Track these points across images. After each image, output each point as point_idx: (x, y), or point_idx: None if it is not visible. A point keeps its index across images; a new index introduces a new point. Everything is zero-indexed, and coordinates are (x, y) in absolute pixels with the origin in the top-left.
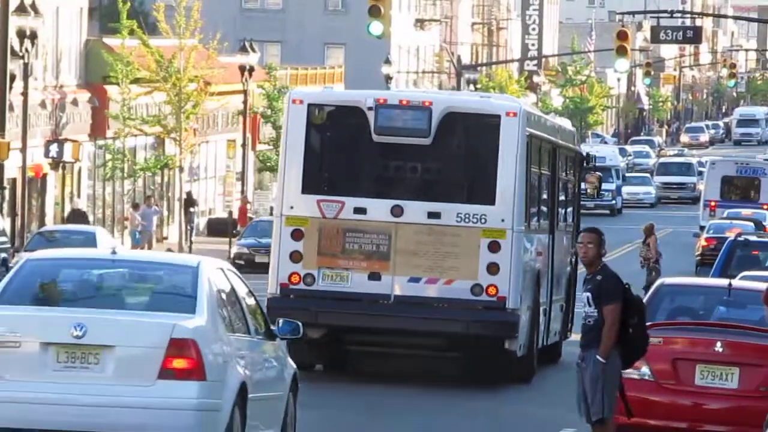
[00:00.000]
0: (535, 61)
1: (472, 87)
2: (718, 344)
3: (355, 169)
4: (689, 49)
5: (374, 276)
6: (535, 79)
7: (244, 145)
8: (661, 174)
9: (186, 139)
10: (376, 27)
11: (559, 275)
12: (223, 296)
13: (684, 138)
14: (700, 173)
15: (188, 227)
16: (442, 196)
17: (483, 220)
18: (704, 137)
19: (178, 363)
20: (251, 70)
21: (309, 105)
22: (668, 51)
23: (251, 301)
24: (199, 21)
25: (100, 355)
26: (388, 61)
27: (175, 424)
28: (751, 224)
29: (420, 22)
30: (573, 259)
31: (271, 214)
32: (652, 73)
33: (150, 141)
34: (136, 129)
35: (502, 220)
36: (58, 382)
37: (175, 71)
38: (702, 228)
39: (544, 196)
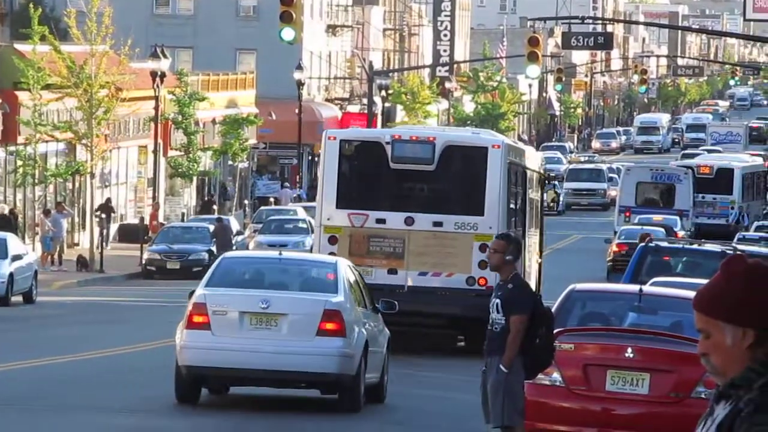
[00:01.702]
0: (447, 67)
1: (383, 93)
2: (629, 350)
3: (376, 189)
4: (600, 55)
5: (392, 271)
6: (447, 85)
7: (155, 151)
8: (571, 180)
9: (97, 145)
10: (287, 33)
11: (528, 270)
12: (351, 282)
13: (595, 144)
14: (611, 179)
15: (102, 233)
16: (443, 209)
17: (475, 228)
18: (615, 143)
19: (329, 325)
20: (163, 76)
21: (341, 140)
22: (579, 57)
23: (364, 287)
24: (111, 27)
25: (278, 320)
26: (299, 67)
27: (327, 365)
28: (662, 230)
29: (332, 28)
30: (538, 258)
31: (183, 220)
32: (564, 79)
33: (61, 147)
34: (48, 135)
35: (490, 227)
36: (250, 337)
37: (87, 77)
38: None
39: (519, 208)
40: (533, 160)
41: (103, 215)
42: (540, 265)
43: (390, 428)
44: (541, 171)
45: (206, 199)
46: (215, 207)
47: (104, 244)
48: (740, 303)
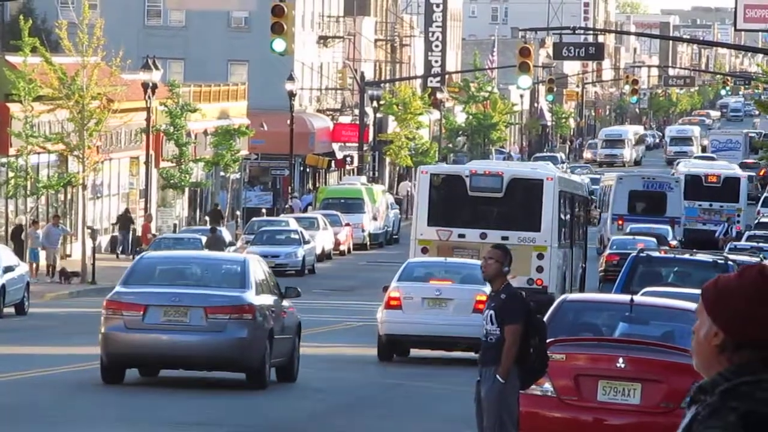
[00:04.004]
0: (439, 78)
1: (375, 103)
2: (620, 360)
3: (458, 211)
4: (592, 65)
5: None
6: (439, 95)
7: (147, 163)
8: None
9: (89, 156)
10: (278, 44)
11: (575, 273)
12: None
13: (587, 154)
14: (591, 192)
15: (124, 243)
16: (509, 227)
17: (533, 241)
18: None
19: (481, 306)
20: (154, 87)
21: (431, 174)
22: (571, 67)
23: None
24: (102, 38)
25: (446, 303)
26: (291, 78)
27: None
28: (654, 240)
29: (323, 39)
30: (583, 263)
31: (175, 231)
32: (555, 89)
33: (53, 159)
34: (39, 146)
35: (545, 241)
36: (428, 314)
37: (78, 89)
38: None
39: (567, 225)
40: (579, 186)
41: (114, 227)
42: (584, 269)
43: None
44: (585, 194)
45: (212, 208)
46: (207, 218)
47: (132, 253)
48: (726, 304)
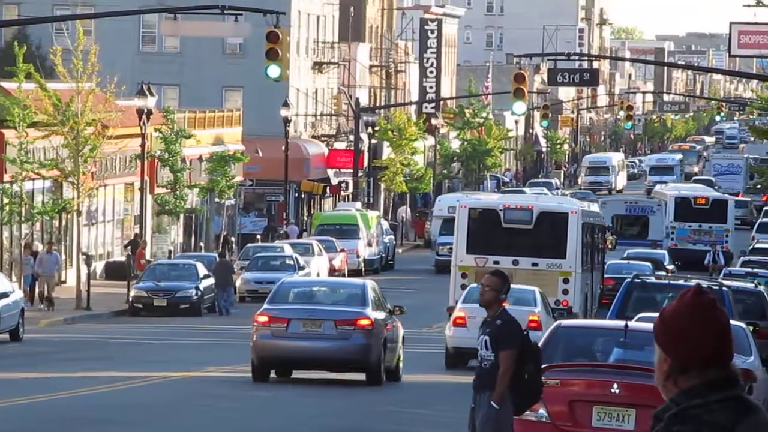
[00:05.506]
0: (433, 104)
1: (370, 129)
2: (615, 386)
3: (493, 240)
4: (587, 91)
5: None
6: (433, 121)
7: (142, 189)
8: None
9: (84, 182)
10: (273, 70)
11: (595, 294)
12: (544, 301)
13: (581, 180)
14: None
15: (130, 269)
16: (538, 254)
17: (560, 267)
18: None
19: (532, 324)
20: (149, 113)
21: (469, 208)
22: (566, 93)
23: (547, 304)
24: (97, 64)
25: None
26: (286, 104)
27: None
28: (649, 264)
29: (318, 65)
30: (601, 285)
31: (170, 257)
32: (550, 115)
33: (47, 185)
34: (34, 173)
35: (570, 267)
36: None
37: (73, 115)
38: None
39: (588, 252)
40: (599, 217)
41: (130, 252)
42: (602, 290)
43: None
44: (603, 223)
45: (218, 233)
46: (201, 244)
47: (130, 277)
48: (668, 328)
